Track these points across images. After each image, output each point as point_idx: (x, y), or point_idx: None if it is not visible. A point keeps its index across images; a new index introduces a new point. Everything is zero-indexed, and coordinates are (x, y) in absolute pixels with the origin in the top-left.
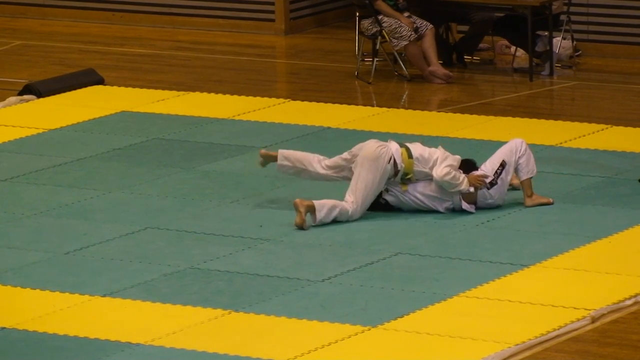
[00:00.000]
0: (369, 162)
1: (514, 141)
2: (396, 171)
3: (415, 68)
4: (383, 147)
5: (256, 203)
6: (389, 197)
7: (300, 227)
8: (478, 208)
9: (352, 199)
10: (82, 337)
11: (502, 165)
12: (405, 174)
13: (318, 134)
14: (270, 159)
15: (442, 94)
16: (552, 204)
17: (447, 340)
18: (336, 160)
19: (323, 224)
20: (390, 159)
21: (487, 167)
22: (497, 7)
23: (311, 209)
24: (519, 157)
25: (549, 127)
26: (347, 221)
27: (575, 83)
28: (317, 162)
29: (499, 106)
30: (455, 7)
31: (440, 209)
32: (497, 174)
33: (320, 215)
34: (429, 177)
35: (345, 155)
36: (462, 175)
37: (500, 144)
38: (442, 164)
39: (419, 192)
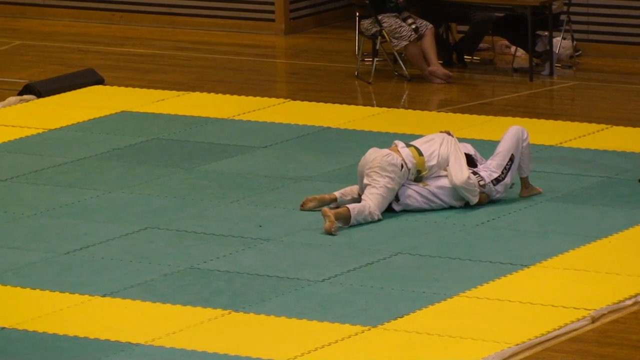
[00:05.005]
0: (381, 170)
1: (515, 130)
2: (409, 172)
3: (415, 68)
4: (389, 155)
5: (256, 203)
6: (396, 207)
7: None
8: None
9: (375, 210)
10: (82, 337)
11: (512, 159)
12: (419, 171)
13: (318, 134)
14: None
15: (442, 94)
16: (541, 193)
17: (447, 340)
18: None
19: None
20: (402, 165)
21: (493, 165)
22: (497, 7)
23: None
24: (523, 148)
25: (549, 127)
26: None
27: (575, 83)
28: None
29: (499, 106)
30: (455, 7)
31: (456, 204)
32: (506, 169)
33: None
34: (439, 173)
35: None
36: (477, 189)
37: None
38: (462, 166)
39: (436, 187)
